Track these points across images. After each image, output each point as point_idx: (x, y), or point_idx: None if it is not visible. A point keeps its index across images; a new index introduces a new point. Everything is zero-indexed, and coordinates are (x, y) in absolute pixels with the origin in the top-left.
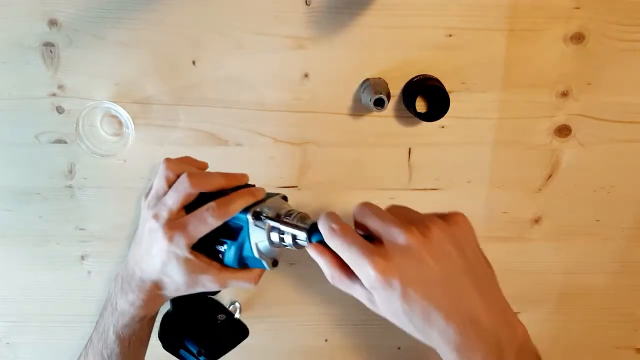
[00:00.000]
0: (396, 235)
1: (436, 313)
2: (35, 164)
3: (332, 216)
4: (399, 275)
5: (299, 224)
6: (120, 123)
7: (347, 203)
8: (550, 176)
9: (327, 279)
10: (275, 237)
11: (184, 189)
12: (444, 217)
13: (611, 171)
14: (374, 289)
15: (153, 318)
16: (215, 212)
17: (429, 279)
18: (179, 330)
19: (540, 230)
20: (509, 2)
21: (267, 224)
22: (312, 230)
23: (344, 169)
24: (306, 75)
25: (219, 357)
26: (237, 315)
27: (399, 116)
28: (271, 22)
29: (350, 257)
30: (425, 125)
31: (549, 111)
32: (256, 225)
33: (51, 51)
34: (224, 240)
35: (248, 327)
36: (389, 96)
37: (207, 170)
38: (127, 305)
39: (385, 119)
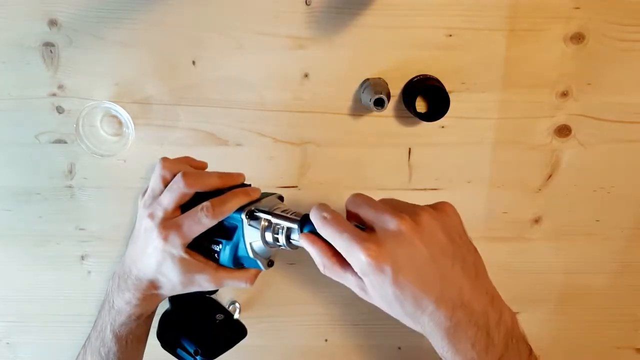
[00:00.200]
0: (388, 221)
1: (427, 298)
2: (35, 164)
3: (324, 206)
4: (390, 260)
5: (292, 217)
6: (120, 123)
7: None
8: (550, 176)
9: (326, 278)
10: (269, 236)
11: (178, 188)
12: (433, 206)
13: (611, 171)
14: (365, 275)
15: (150, 317)
16: (209, 211)
17: (419, 264)
18: (177, 329)
19: (540, 230)
20: (509, 2)
21: (261, 224)
22: (304, 222)
23: (344, 169)
24: (306, 75)
25: (216, 357)
26: (236, 315)
27: (399, 116)
28: (271, 22)
29: (342, 244)
30: (425, 125)
31: (549, 111)
32: (250, 225)
33: (51, 51)
34: (219, 240)
35: (248, 327)
36: (389, 96)
37: (203, 170)
38: (124, 303)
39: (385, 119)
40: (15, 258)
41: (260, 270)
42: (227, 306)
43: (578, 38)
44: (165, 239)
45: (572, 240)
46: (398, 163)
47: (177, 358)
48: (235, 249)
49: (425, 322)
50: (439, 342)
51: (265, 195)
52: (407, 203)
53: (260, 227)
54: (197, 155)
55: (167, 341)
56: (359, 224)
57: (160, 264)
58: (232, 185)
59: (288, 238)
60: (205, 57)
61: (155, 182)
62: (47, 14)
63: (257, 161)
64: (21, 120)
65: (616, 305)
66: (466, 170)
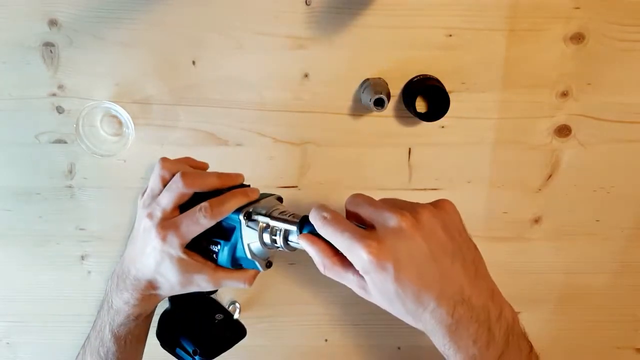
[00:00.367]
0: (388, 219)
1: (428, 295)
2: (35, 164)
3: (323, 206)
4: (392, 257)
5: (290, 219)
6: (120, 123)
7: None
8: (550, 176)
9: (326, 279)
10: (267, 238)
11: (177, 188)
12: (433, 204)
13: (611, 171)
14: (367, 273)
15: (149, 317)
16: (207, 212)
17: (421, 261)
18: (176, 328)
19: (540, 230)
20: (509, 2)
21: (259, 225)
22: (303, 223)
23: (344, 169)
24: (306, 75)
25: (215, 357)
26: (236, 315)
27: (399, 116)
28: (271, 22)
29: (343, 243)
30: (425, 125)
31: (549, 111)
32: (248, 226)
33: (51, 51)
34: (218, 240)
35: (248, 327)
36: (389, 96)
37: (202, 170)
38: (122, 303)
39: (385, 119)
40: (15, 258)
41: (258, 271)
42: (227, 306)
43: (578, 38)
44: (164, 239)
45: (572, 240)
46: (398, 163)
47: (177, 358)
48: (233, 250)
49: (427, 320)
50: (440, 340)
51: (264, 196)
52: (406, 201)
53: (258, 229)
54: (197, 155)
55: (167, 340)
56: (359, 224)
57: (158, 264)
58: (231, 185)
59: (286, 240)
60: (205, 57)
61: (154, 182)
62: (47, 14)
63: (257, 161)
64: (21, 120)
65: (616, 305)
66: (466, 170)
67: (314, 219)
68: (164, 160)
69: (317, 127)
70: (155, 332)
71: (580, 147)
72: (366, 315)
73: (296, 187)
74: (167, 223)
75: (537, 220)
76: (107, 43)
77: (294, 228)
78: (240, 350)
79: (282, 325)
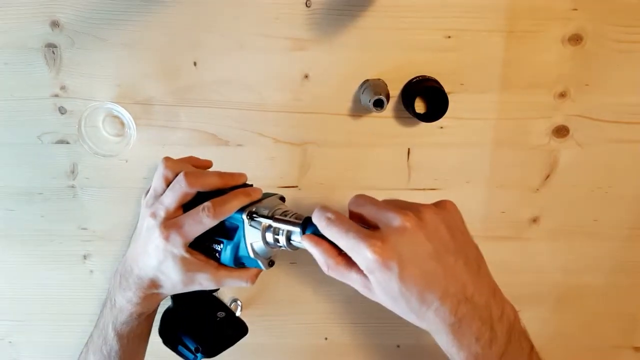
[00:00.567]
0: (392, 218)
1: (431, 293)
2: (38, 164)
3: (326, 207)
4: (396, 257)
5: (293, 220)
6: (122, 124)
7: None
8: (548, 176)
9: (326, 277)
10: (269, 237)
11: (180, 188)
12: (435, 204)
13: (609, 171)
14: (371, 272)
15: (151, 315)
16: (210, 212)
17: (424, 260)
18: (178, 326)
19: (538, 230)
20: (508, 3)
21: (261, 225)
22: (306, 224)
23: (344, 169)
24: (306, 76)
25: (217, 354)
26: (238, 313)
27: (398, 117)
28: (272, 23)
29: (347, 243)
30: (424, 125)
31: (547, 112)
32: (251, 226)
33: (53, 52)
34: (221, 239)
35: (249, 325)
36: (388, 97)
37: (206, 170)
38: (125, 302)
39: (385, 120)
40: (18, 257)
41: (261, 269)
42: (229, 304)
43: (576, 39)
44: (167, 238)
45: (570, 240)
46: (397, 163)
47: (178, 355)
48: (236, 249)
49: (430, 318)
50: (443, 338)
51: (266, 195)
52: (409, 202)
53: (261, 228)
54: (198, 155)
55: (169, 338)
56: (362, 224)
57: (161, 262)
58: (233, 185)
59: (289, 239)
60: (206, 58)
61: (157, 182)
62: (50, 16)
63: (258, 161)
64: (24, 120)
65: (614, 305)
66: (465, 170)
67: (318, 220)
68: (167, 159)
69: (317, 127)
70: (157, 329)
71: (578, 148)
72: (366, 314)
73: (296, 187)
74: (170, 222)
75: (535, 220)
76: (109, 44)
77: (297, 229)
78: (241, 348)
79: (282, 323)
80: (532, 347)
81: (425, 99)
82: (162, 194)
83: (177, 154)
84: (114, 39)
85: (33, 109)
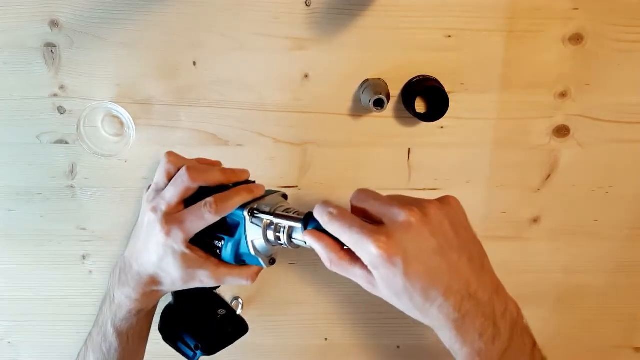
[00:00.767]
0: (396, 214)
1: (435, 289)
2: (37, 164)
3: (328, 202)
4: (401, 252)
5: (294, 216)
6: (121, 123)
7: (347, 203)
8: (548, 176)
9: (326, 278)
10: (271, 235)
11: (182, 182)
12: (439, 200)
13: (609, 171)
14: (376, 268)
15: (151, 312)
16: (212, 207)
17: (429, 256)
18: (179, 323)
19: (539, 230)
20: (508, 3)
21: (263, 222)
22: (308, 219)
23: (344, 169)
24: (306, 76)
25: (217, 352)
26: (239, 311)
27: (398, 117)
28: (272, 23)
29: (351, 238)
30: (424, 125)
31: (547, 111)
32: (252, 223)
33: (52, 52)
34: (222, 236)
35: (249, 325)
36: (388, 97)
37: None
38: (124, 297)
39: (385, 120)
40: (16, 257)
41: (261, 267)
42: (229, 302)
43: (577, 39)
44: (168, 233)
45: (571, 240)
46: (397, 163)
47: (178, 352)
48: (237, 246)
49: (434, 315)
50: (447, 334)
51: (269, 192)
52: (413, 197)
53: (262, 225)
54: (198, 155)
55: (169, 335)
56: (365, 220)
57: (161, 258)
58: (236, 181)
59: (290, 237)
60: (206, 58)
61: (159, 176)
62: (49, 15)
63: (258, 161)
64: (23, 120)
65: (614, 305)
66: (465, 170)
67: (320, 215)
68: (170, 154)
69: (317, 127)
70: (157, 326)
71: (579, 148)
72: (366, 315)
73: (296, 187)
74: (171, 217)
75: (535, 220)
76: (109, 44)
77: (298, 225)
78: (241, 348)
79: (282, 324)
80: (534, 343)
81: (426, 98)
82: (164, 189)
83: None
84: (113, 38)
85: (32, 108)
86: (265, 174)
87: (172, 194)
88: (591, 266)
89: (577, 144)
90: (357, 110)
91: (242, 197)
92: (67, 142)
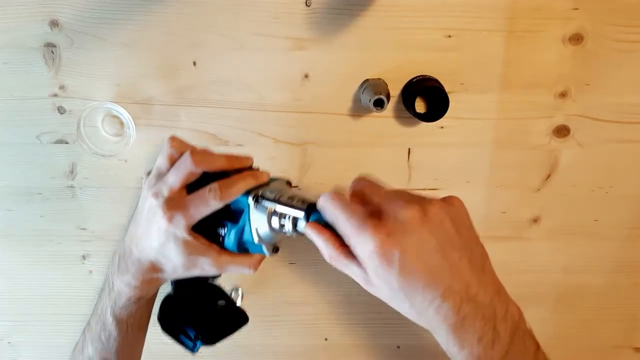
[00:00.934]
0: (397, 210)
1: (434, 290)
2: (37, 164)
3: (333, 194)
4: (399, 249)
5: (298, 205)
6: (121, 123)
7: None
8: (548, 176)
9: (326, 278)
10: (275, 222)
11: (186, 167)
12: (441, 199)
13: (609, 171)
14: (372, 263)
15: (151, 300)
16: (217, 193)
17: (428, 255)
18: (178, 313)
19: (539, 230)
20: (508, 3)
21: (267, 209)
22: (311, 210)
23: (344, 169)
24: (306, 76)
25: (216, 343)
26: (239, 302)
27: (398, 117)
28: (272, 23)
29: (348, 231)
30: (424, 125)
31: (547, 111)
32: (257, 209)
33: (52, 52)
34: (225, 222)
35: (247, 325)
36: (388, 97)
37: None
38: (123, 285)
39: (385, 120)
40: (16, 257)
41: (264, 256)
42: (229, 293)
43: (577, 39)
44: (170, 219)
45: (571, 240)
46: (397, 163)
47: (178, 342)
48: (240, 233)
49: (431, 316)
50: (444, 337)
51: (273, 179)
52: (415, 194)
53: (266, 213)
54: None
55: (168, 325)
56: (363, 207)
57: (162, 245)
58: (239, 167)
59: (294, 225)
60: (206, 57)
61: (161, 161)
62: (49, 15)
63: (258, 161)
64: (23, 120)
65: (615, 305)
66: (465, 170)
67: (324, 203)
68: (173, 139)
69: (317, 127)
70: (156, 316)
71: (579, 148)
72: (366, 315)
73: (297, 187)
74: (174, 203)
75: (536, 220)
76: (108, 44)
77: (301, 215)
78: (241, 348)
79: (282, 324)
80: (537, 346)
81: (426, 98)
82: (166, 174)
83: None
84: (113, 38)
85: (32, 108)
86: None
87: (175, 179)
88: (591, 266)
89: (577, 144)
90: (357, 110)
91: (246, 183)
92: (67, 142)
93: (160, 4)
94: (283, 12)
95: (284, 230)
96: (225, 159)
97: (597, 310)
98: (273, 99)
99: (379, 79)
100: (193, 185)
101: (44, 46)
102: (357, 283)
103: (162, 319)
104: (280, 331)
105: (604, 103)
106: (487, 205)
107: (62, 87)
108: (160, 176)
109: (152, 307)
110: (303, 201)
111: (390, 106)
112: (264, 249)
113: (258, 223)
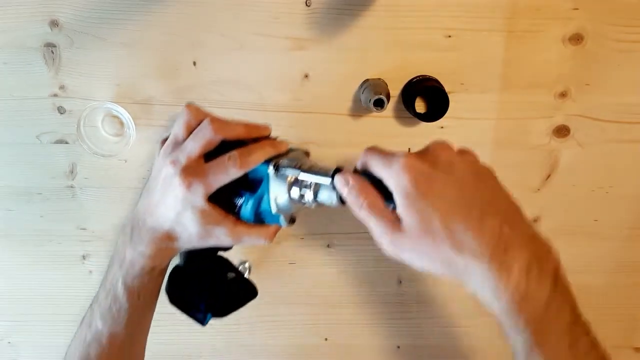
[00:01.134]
0: (434, 149)
1: (471, 210)
2: (37, 164)
3: (369, 149)
4: (440, 178)
5: (321, 171)
6: (121, 123)
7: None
8: (548, 176)
9: (326, 278)
10: (295, 192)
11: (204, 135)
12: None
13: (609, 171)
14: (412, 191)
15: (163, 271)
16: (236, 162)
17: (466, 184)
18: (187, 285)
19: (539, 230)
20: (508, 3)
21: (287, 178)
22: (337, 173)
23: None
24: (306, 76)
25: (226, 315)
26: (246, 275)
27: (398, 117)
28: (272, 23)
29: (388, 162)
30: (424, 125)
31: (547, 111)
32: (277, 178)
33: (52, 52)
34: (242, 192)
35: (248, 325)
36: (388, 97)
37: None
38: (137, 255)
39: (385, 120)
40: (16, 258)
41: (279, 227)
42: (237, 266)
43: (577, 39)
44: (188, 187)
45: (571, 240)
46: None
47: (186, 314)
48: (258, 203)
49: (469, 246)
50: (483, 274)
51: (292, 149)
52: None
53: (287, 182)
54: None
55: (176, 297)
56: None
57: (179, 213)
58: (257, 136)
59: (315, 193)
60: (206, 57)
61: (178, 129)
62: (49, 15)
63: None
64: (23, 120)
65: (615, 305)
66: None
67: (364, 155)
68: (190, 106)
69: (317, 127)
70: (164, 288)
71: (579, 148)
72: (366, 315)
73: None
74: (192, 170)
75: (536, 220)
76: (108, 44)
77: (327, 181)
78: (241, 348)
79: (282, 324)
80: (576, 305)
81: (426, 98)
82: (183, 142)
83: None
84: (113, 38)
85: (32, 108)
86: None
87: (193, 146)
88: (591, 266)
89: (577, 144)
90: (357, 110)
91: (266, 151)
92: (67, 142)
93: (160, 4)
94: (283, 12)
95: (303, 200)
96: (244, 127)
97: (597, 310)
98: (273, 99)
99: (379, 79)
100: (210, 155)
101: (44, 46)
102: (357, 283)
103: (170, 291)
104: (280, 331)
105: (604, 103)
106: None
107: (62, 87)
108: (177, 144)
109: (162, 281)
110: (324, 169)
111: (390, 106)
112: (282, 219)
113: (277, 192)
